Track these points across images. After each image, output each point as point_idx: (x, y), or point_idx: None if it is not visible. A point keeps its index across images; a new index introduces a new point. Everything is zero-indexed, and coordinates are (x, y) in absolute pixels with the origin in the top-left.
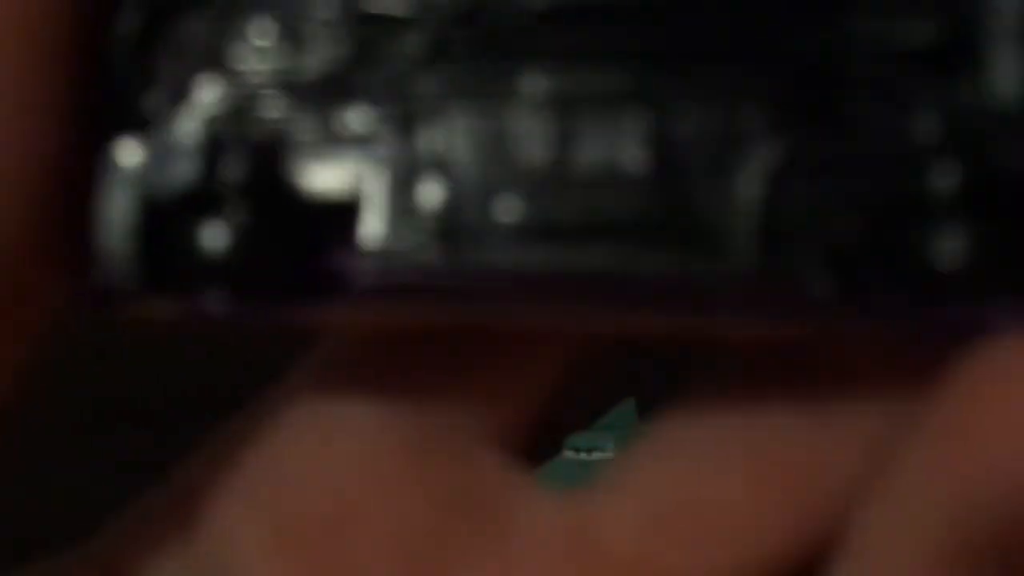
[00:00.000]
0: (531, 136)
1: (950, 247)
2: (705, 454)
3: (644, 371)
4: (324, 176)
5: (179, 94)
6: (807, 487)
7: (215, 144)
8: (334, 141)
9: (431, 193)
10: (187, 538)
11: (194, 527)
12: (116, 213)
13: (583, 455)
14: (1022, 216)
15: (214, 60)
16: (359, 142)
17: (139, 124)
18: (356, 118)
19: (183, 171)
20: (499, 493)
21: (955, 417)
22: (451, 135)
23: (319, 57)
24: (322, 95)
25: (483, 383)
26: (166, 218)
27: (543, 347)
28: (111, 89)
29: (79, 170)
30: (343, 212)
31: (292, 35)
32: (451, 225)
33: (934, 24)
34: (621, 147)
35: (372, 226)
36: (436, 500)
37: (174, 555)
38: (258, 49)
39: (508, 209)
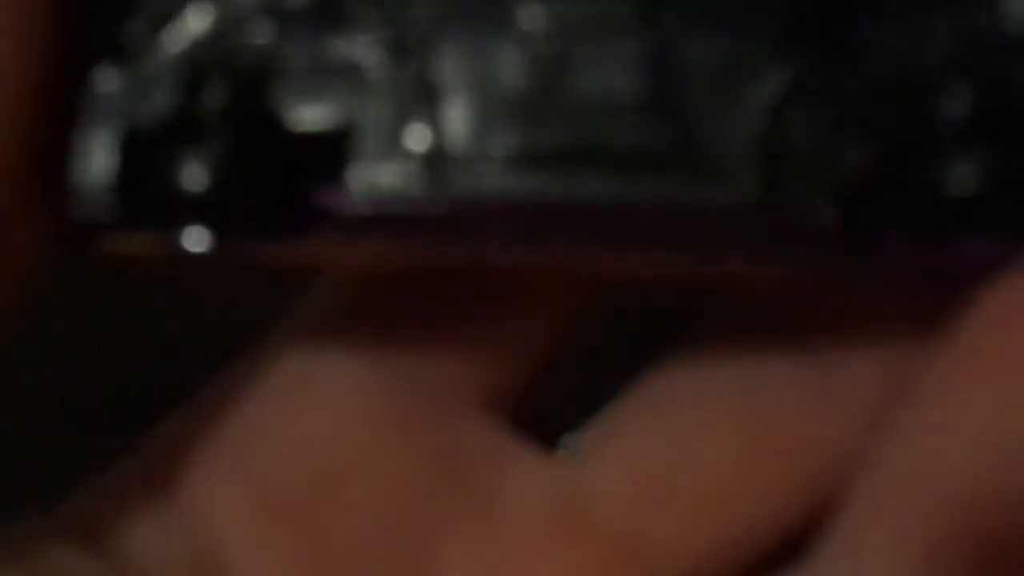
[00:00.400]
0: (527, 63)
1: (962, 175)
2: (696, 415)
3: (639, 369)
4: (312, 106)
5: (162, 19)
6: (802, 454)
7: (198, 71)
8: (323, 70)
9: (423, 123)
10: (168, 502)
11: (175, 491)
12: (94, 143)
13: None
14: None
15: None
16: (348, 71)
17: (120, 50)
18: (346, 46)
19: (165, 99)
20: (487, 458)
21: (956, 379)
22: (444, 62)
23: None
24: (312, 22)
25: (472, 342)
26: (146, 149)
27: (535, 302)
28: (92, 14)
29: (60, 99)
30: (331, 143)
31: None
32: (443, 155)
33: None
34: (620, 74)
35: (361, 157)
36: (422, 465)
37: (154, 519)
38: None
39: (503, 138)
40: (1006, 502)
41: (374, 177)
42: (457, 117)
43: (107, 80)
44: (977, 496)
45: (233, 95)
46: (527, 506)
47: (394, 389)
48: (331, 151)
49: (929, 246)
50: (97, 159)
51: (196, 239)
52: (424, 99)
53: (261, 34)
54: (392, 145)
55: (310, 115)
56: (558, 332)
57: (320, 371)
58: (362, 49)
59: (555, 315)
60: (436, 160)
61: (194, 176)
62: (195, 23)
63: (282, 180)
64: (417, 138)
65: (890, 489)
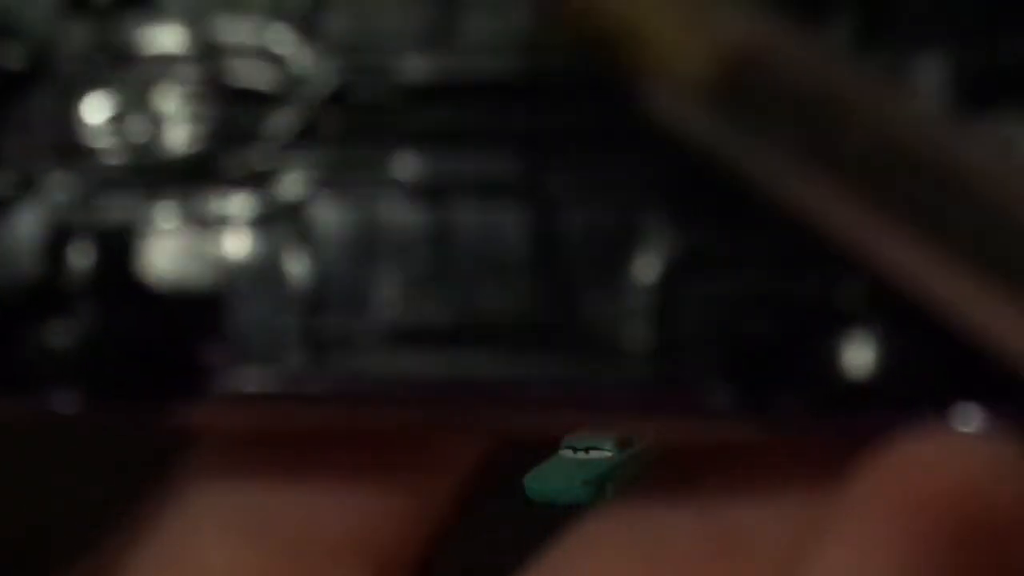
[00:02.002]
0: (404, 226)
1: (854, 357)
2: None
3: None
4: (181, 268)
5: (22, 180)
6: None
7: (62, 234)
8: (193, 229)
9: (298, 287)
10: None
11: None
12: None
13: (581, 454)
14: (929, 328)
15: (60, 141)
16: (220, 230)
17: None
18: (217, 204)
19: (27, 264)
20: None
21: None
22: (320, 223)
23: (177, 136)
24: (181, 178)
25: (355, 511)
26: (9, 315)
27: (421, 465)
28: None
29: None
30: (203, 307)
31: (147, 111)
32: (320, 325)
33: None
34: (502, 242)
35: (234, 322)
36: None
37: None
38: (109, 127)
39: (381, 308)
40: None
41: (248, 342)
42: (334, 281)
43: None
44: None
45: (98, 259)
46: None
47: (275, 565)
48: (203, 314)
49: (822, 421)
50: None
51: (65, 403)
52: (299, 261)
53: (128, 193)
54: (267, 309)
55: (179, 278)
56: (450, 493)
57: (201, 548)
58: (233, 208)
59: (445, 476)
60: (313, 330)
61: (61, 341)
62: (58, 185)
63: (153, 344)
64: (292, 303)
65: None
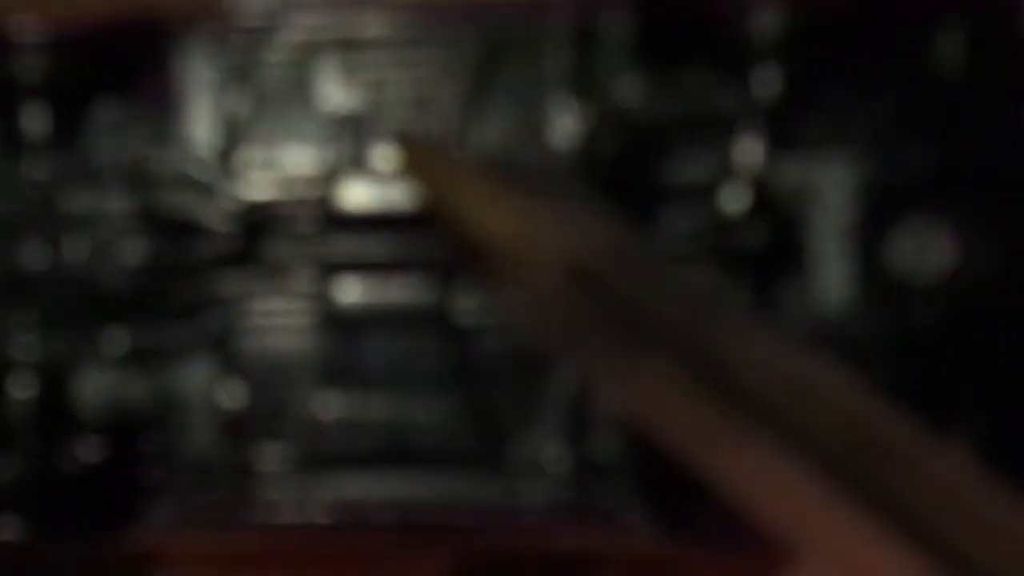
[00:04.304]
0: (329, 353)
1: None
2: None
3: None
4: (118, 398)
5: None
6: None
7: (2, 368)
8: (136, 357)
9: (229, 415)
10: None
11: None
12: None
13: None
14: None
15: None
16: (155, 360)
17: None
18: (153, 335)
19: None
20: None
21: None
22: (248, 352)
23: (113, 267)
24: (123, 308)
25: None
26: None
27: None
28: None
29: None
30: (140, 435)
31: (83, 243)
32: (251, 451)
33: None
34: (422, 367)
35: (170, 450)
36: None
37: None
38: (47, 260)
39: (309, 434)
40: None
41: (186, 477)
42: (264, 412)
43: None
44: None
45: (38, 389)
46: None
47: None
48: (141, 444)
49: (738, 537)
50: None
51: (8, 530)
52: (232, 388)
53: (66, 327)
54: (203, 441)
55: (117, 406)
56: None
57: None
58: (178, 334)
59: None
60: (246, 461)
61: (1, 473)
62: None
63: (91, 472)
64: (226, 434)
65: None
